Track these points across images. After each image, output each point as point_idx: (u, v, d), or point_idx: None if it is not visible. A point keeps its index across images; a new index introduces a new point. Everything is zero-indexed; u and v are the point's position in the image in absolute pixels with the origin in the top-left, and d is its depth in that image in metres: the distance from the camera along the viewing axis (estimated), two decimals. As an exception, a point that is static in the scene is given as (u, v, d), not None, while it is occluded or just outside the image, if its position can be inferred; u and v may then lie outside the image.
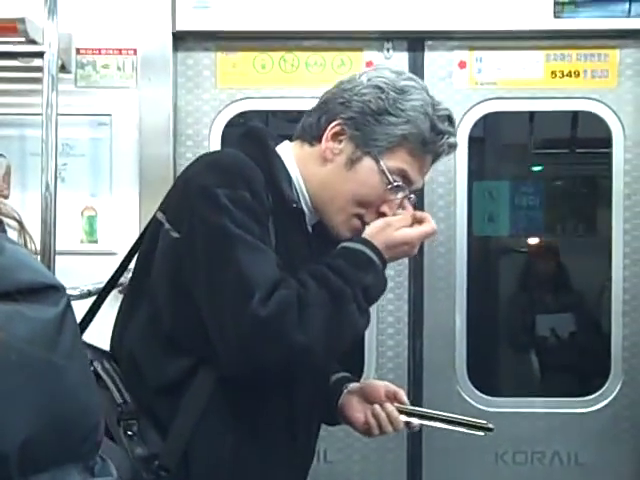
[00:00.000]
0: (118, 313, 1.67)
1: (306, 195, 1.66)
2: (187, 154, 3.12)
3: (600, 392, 3.19)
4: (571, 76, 3.15)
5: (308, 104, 3.12)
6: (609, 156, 3.19)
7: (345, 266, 1.52)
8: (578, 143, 4.31)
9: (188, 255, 1.49)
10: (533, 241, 4.45)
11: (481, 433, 1.68)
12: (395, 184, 1.62)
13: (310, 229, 1.68)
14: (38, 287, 0.87)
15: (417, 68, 3.13)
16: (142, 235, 1.68)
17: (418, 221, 1.63)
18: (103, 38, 3.08)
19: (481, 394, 3.18)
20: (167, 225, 1.53)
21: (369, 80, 1.64)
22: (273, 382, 1.55)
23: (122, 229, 3.03)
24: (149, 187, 3.04)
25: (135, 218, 3.04)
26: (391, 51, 3.14)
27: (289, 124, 3.27)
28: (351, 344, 1.58)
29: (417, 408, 1.76)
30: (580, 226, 4.43)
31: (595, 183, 3.97)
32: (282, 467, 1.61)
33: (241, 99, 3.12)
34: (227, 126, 3.15)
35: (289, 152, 1.68)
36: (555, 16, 3.07)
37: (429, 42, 3.16)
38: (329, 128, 1.63)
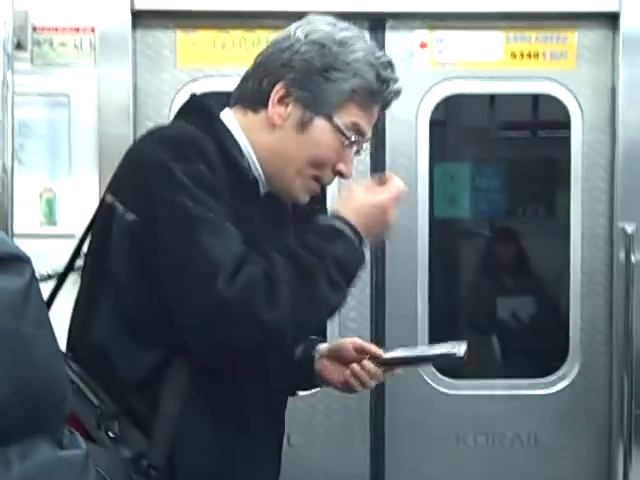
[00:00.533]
0: (75, 309, 1.59)
1: (257, 164, 1.59)
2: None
3: (559, 374, 3.24)
4: (530, 57, 3.18)
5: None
6: (568, 139, 3.22)
7: (313, 239, 1.48)
8: (538, 125, 4.34)
9: (148, 238, 1.42)
10: (494, 224, 4.47)
11: (455, 362, 1.70)
12: (353, 138, 1.57)
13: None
14: (3, 257, 0.86)
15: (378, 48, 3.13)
16: (92, 221, 1.60)
17: (382, 183, 1.59)
18: (60, 16, 3.03)
19: (442, 376, 3.20)
20: (121, 208, 1.46)
21: (307, 36, 1.56)
22: (247, 366, 1.52)
23: (82, 211, 2.98)
24: (109, 168, 2.90)
25: (95, 200, 2.92)
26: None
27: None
28: (324, 322, 1.56)
29: (391, 355, 1.75)
30: (540, 209, 4.45)
31: (555, 166, 3.99)
32: (264, 449, 1.60)
33: (201, 78, 3.09)
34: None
35: (233, 120, 1.60)
36: (515, -5, 3.09)
37: (390, 22, 3.15)
38: (274, 92, 1.56)
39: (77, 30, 3.03)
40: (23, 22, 2.95)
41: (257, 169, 1.60)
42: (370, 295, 3.18)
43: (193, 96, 1.69)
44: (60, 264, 2.72)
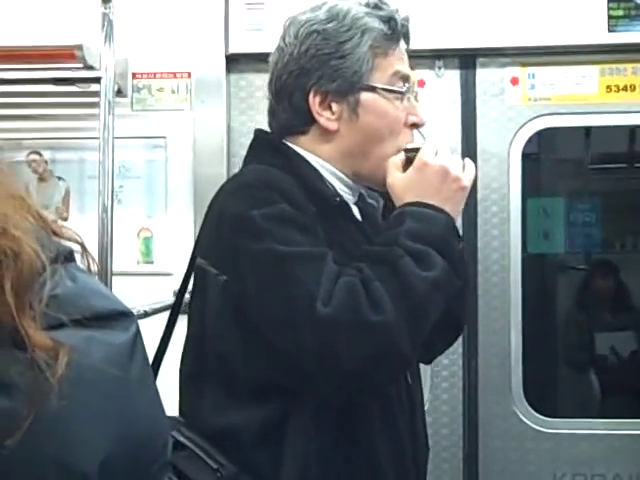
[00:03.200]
0: (182, 380, 1.54)
1: (341, 176, 1.53)
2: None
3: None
4: (627, 90, 3.11)
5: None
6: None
7: (383, 234, 1.42)
8: (634, 157, 4.24)
9: (243, 294, 1.37)
10: (590, 258, 4.38)
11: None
12: (404, 89, 1.52)
13: (359, 216, 1.58)
14: (110, 313, 0.89)
15: (469, 85, 3.13)
16: (186, 280, 1.60)
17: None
18: (158, 62, 3.14)
19: (538, 414, 3.13)
20: (213, 271, 1.41)
21: (296, 36, 1.51)
22: (371, 389, 1.43)
23: (178, 249, 3.07)
24: (204, 207, 3.04)
25: (190, 238, 3.07)
26: (442, 69, 3.14)
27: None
28: (440, 310, 1.38)
29: None
30: (637, 242, 4.35)
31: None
32: (394, 468, 1.49)
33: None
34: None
35: (298, 149, 1.53)
36: (609, 30, 3.04)
37: (481, 59, 3.15)
38: (311, 104, 1.49)
39: (174, 75, 3.13)
40: (124, 69, 3.07)
41: (345, 182, 1.54)
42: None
43: (260, 132, 1.62)
44: (156, 301, 2.81)
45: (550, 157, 4.12)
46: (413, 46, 3.20)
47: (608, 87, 3.11)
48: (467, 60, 3.15)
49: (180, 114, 3.13)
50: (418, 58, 3.10)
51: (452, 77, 3.15)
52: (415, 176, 1.46)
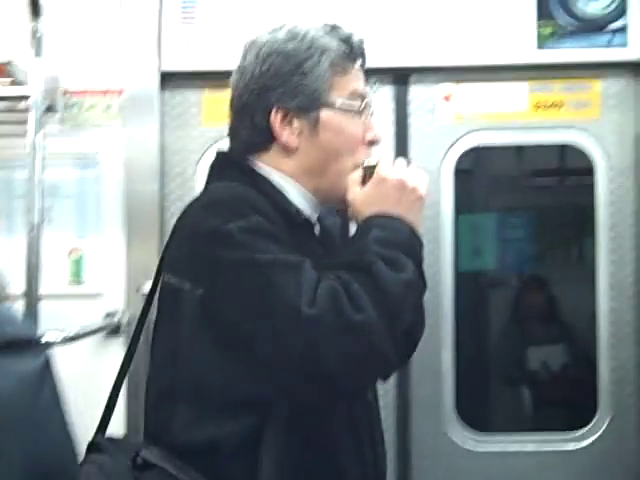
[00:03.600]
0: (148, 399, 1.55)
1: (305, 192, 1.57)
2: (174, 193, 3.12)
3: (589, 427, 3.15)
4: (555, 107, 3.18)
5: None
6: (594, 187, 3.20)
7: (352, 246, 1.46)
8: (564, 174, 4.33)
9: (221, 306, 1.38)
10: (521, 273, 4.45)
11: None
12: (362, 106, 1.56)
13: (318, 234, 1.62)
14: (20, 340, 0.87)
15: (401, 102, 3.15)
16: (148, 303, 1.61)
17: None
18: (90, 79, 3.08)
19: (469, 433, 3.14)
20: (187, 286, 1.42)
21: (257, 56, 1.55)
22: (353, 396, 1.48)
23: (109, 270, 3.02)
24: (136, 226, 3.04)
25: (122, 258, 3.03)
26: (377, 85, 3.16)
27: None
28: (411, 311, 1.43)
29: None
30: (567, 257, 4.43)
31: (581, 214, 3.98)
32: (359, 476, 1.53)
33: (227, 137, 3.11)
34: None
35: (260, 168, 1.57)
36: (538, 47, 3.10)
37: (414, 76, 3.18)
38: (272, 121, 1.53)
39: (106, 92, 3.08)
40: (54, 86, 3.00)
41: (306, 199, 1.57)
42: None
43: (221, 154, 1.65)
44: (86, 324, 2.75)
45: (481, 174, 4.17)
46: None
47: (537, 104, 3.18)
48: (400, 77, 3.18)
49: (112, 131, 3.07)
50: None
51: (385, 92, 3.17)
52: (375, 191, 1.51)
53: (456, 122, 3.17)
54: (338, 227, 1.72)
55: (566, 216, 4.29)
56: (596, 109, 3.18)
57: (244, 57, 1.59)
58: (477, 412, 3.87)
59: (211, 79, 3.09)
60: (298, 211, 1.56)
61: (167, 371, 1.49)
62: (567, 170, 4.23)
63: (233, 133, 1.61)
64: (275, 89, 1.54)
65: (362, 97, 1.58)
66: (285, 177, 1.56)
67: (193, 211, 1.49)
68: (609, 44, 3.10)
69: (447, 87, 3.18)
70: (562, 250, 4.46)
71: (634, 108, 3.16)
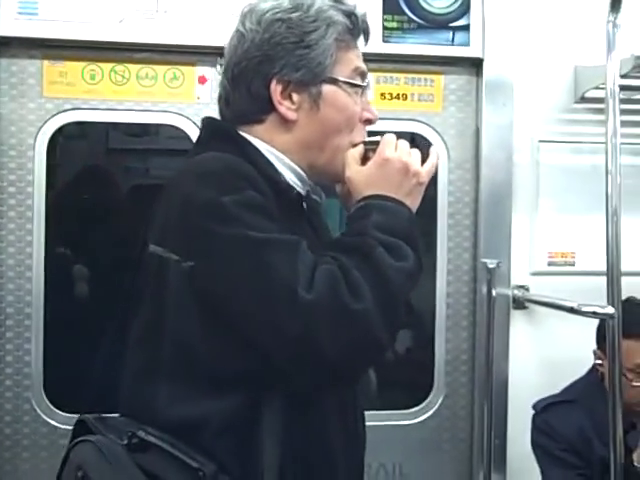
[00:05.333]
0: (127, 372, 1.49)
1: (295, 168, 1.53)
2: (10, 164, 2.99)
3: (423, 405, 3.31)
4: (399, 99, 3.26)
5: (138, 117, 3.06)
6: (435, 177, 3.30)
7: (351, 226, 1.43)
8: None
9: (213, 281, 1.34)
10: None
11: None
12: (364, 84, 1.55)
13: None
14: None
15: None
16: (133, 279, 1.51)
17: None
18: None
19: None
20: (174, 257, 1.36)
21: (259, 24, 1.50)
22: (345, 383, 1.47)
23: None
24: None
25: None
26: (224, 66, 3.12)
27: (130, 138, 3.19)
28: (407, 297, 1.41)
29: None
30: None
31: (422, 203, 4.08)
32: (343, 457, 1.54)
33: (69, 109, 3.02)
34: (61, 137, 3.05)
35: (252, 139, 1.52)
36: (383, 40, 3.17)
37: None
38: (272, 92, 1.49)
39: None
40: None
41: (298, 174, 1.54)
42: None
43: (210, 120, 1.60)
44: None
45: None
46: (196, 42, 3.18)
47: (382, 95, 3.25)
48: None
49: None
50: (200, 54, 3.08)
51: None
52: (376, 171, 1.48)
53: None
54: (323, 205, 1.68)
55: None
56: (438, 103, 3.29)
57: (243, 22, 1.53)
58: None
59: (51, 48, 2.99)
60: (289, 185, 1.51)
61: (149, 344, 1.44)
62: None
63: (226, 102, 1.56)
64: (277, 60, 1.49)
65: (362, 75, 1.56)
66: (273, 150, 1.52)
67: (183, 181, 1.43)
68: (452, 41, 3.21)
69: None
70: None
71: (474, 104, 3.29)
